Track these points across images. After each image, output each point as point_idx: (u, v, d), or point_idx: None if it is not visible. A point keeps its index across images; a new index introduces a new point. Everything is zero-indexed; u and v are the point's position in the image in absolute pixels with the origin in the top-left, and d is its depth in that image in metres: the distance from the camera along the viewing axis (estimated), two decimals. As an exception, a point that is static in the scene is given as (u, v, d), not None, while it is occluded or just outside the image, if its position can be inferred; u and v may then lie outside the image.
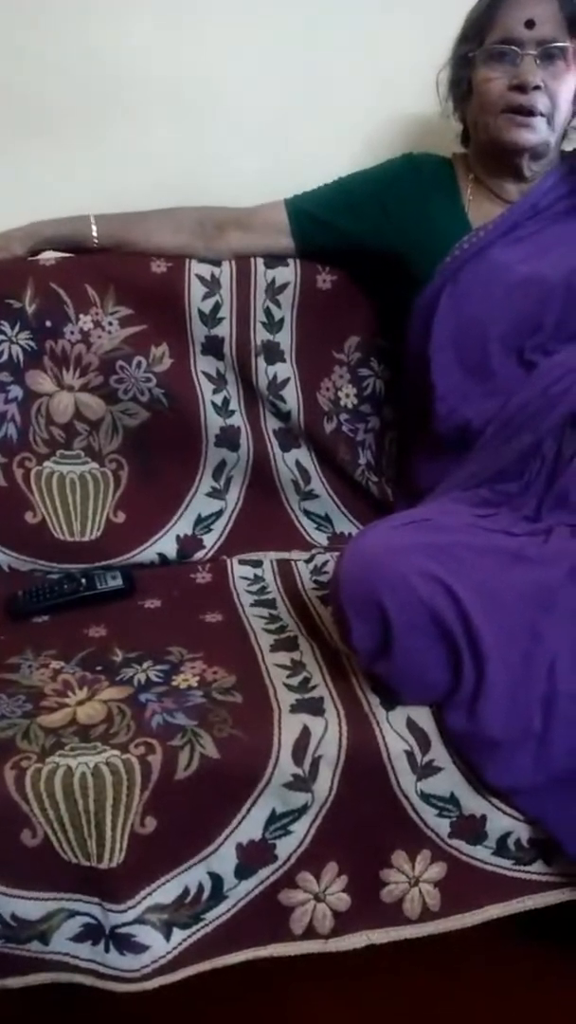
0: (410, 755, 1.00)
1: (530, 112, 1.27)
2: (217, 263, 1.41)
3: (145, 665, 1.11)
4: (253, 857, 0.99)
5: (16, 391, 1.37)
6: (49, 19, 1.49)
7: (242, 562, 1.41)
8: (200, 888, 0.99)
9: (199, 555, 1.43)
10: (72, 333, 1.36)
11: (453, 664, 0.99)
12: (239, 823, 0.98)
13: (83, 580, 1.30)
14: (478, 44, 1.29)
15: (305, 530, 1.48)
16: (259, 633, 1.19)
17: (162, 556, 1.41)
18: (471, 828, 1.04)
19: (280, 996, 1.17)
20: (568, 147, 1.40)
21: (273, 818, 0.98)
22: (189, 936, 0.99)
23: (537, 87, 1.25)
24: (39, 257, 1.39)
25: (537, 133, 1.28)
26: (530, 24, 1.24)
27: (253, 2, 1.54)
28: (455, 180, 1.40)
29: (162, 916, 0.97)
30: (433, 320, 1.33)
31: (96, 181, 1.52)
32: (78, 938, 0.97)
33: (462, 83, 1.35)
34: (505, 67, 1.27)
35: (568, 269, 1.29)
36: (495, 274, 1.30)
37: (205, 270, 1.40)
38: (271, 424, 1.47)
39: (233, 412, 1.44)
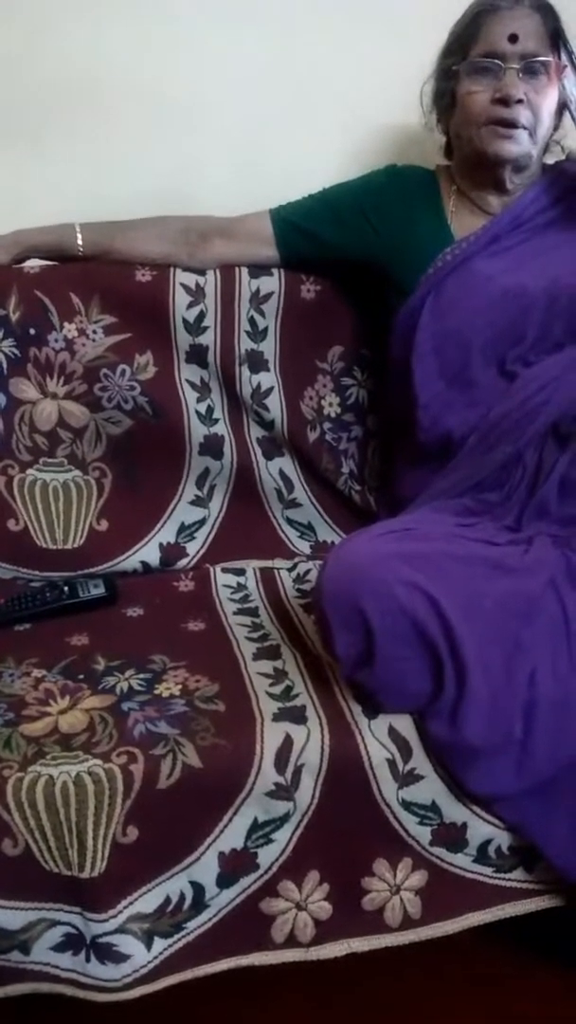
0: (392, 763, 1.01)
1: (513, 125, 1.28)
2: (202, 272, 1.41)
3: (127, 673, 1.11)
4: (235, 866, 0.99)
5: (-1, 398, 1.37)
6: (30, 25, 1.49)
7: (225, 570, 1.41)
8: (182, 897, 0.99)
9: (182, 563, 1.43)
10: (56, 341, 1.36)
11: (435, 672, 0.99)
12: (221, 832, 0.98)
13: (65, 588, 1.29)
14: (462, 57, 1.31)
15: (288, 538, 1.48)
16: (242, 641, 1.19)
17: (145, 564, 1.41)
18: (452, 836, 1.04)
19: (261, 1005, 1.17)
20: (550, 160, 1.41)
21: (255, 827, 0.98)
22: (171, 945, 0.99)
23: (520, 100, 1.26)
24: (24, 265, 1.38)
25: (520, 145, 1.29)
26: (513, 39, 1.25)
27: (236, 10, 1.55)
28: (438, 192, 1.41)
29: (143, 925, 0.97)
30: (415, 330, 1.34)
31: (78, 189, 1.52)
32: (59, 948, 0.97)
33: (446, 95, 1.36)
34: (489, 80, 1.28)
35: (549, 280, 1.30)
36: (477, 285, 1.31)
37: (190, 279, 1.40)
38: (255, 433, 1.47)
39: (217, 421, 1.44)
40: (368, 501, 1.54)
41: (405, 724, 1.03)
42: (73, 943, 0.97)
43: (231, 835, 0.98)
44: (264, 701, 1.04)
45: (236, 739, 0.99)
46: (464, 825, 1.04)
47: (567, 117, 1.35)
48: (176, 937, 0.99)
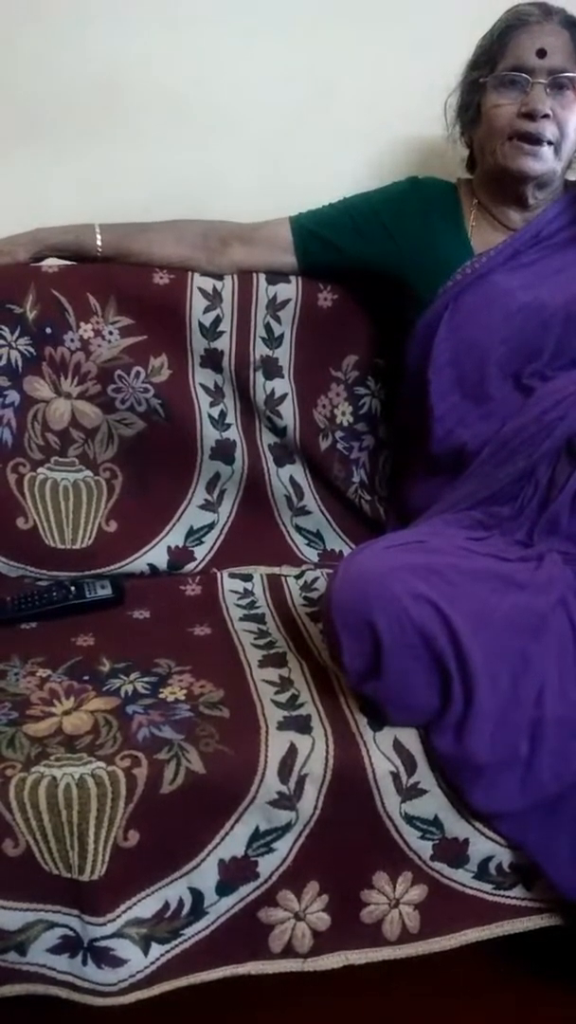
0: (396, 776, 1.00)
1: (538, 140, 1.28)
2: (219, 277, 1.41)
3: (132, 676, 1.11)
4: (235, 874, 0.99)
5: (13, 396, 1.37)
6: (50, 27, 1.50)
7: (232, 576, 1.41)
8: (180, 903, 0.98)
9: (190, 567, 1.42)
10: (72, 341, 1.36)
11: (442, 687, 0.99)
12: (222, 839, 0.97)
13: (72, 588, 1.29)
14: (489, 71, 1.30)
15: (296, 546, 1.48)
16: (247, 648, 1.19)
17: (152, 567, 1.41)
18: (453, 851, 1.04)
19: (256, 1015, 1.17)
20: (572, 177, 1.41)
21: (256, 835, 0.98)
22: (167, 951, 0.99)
23: (546, 115, 1.26)
24: (42, 264, 1.38)
25: (544, 162, 1.29)
26: (541, 53, 1.25)
27: (258, 15, 1.55)
28: (459, 205, 1.41)
29: (141, 930, 0.97)
30: (433, 342, 1.33)
31: (98, 190, 1.53)
32: (56, 950, 0.97)
33: (471, 108, 1.35)
34: (515, 94, 1.28)
35: (568, 297, 1.30)
36: (496, 299, 1.31)
37: (207, 283, 1.40)
38: (266, 439, 1.47)
39: (229, 426, 1.44)
40: (378, 511, 1.54)
41: (410, 737, 1.03)
42: (70, 946, 0.96)
43: (232, 843, 0.98)
44: (269, 709, 1.04)
45: (240, 746, 0.98)
46: (466, 841, 1.04)
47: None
48: (173, 943, 0.99)
